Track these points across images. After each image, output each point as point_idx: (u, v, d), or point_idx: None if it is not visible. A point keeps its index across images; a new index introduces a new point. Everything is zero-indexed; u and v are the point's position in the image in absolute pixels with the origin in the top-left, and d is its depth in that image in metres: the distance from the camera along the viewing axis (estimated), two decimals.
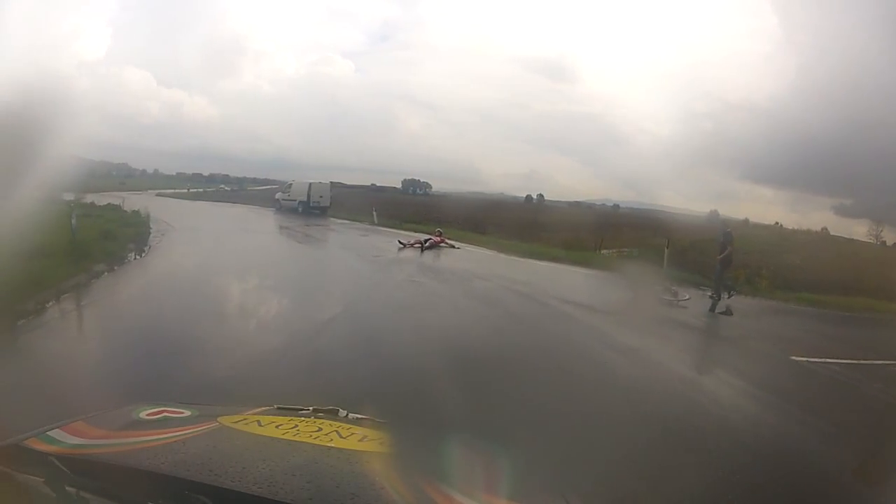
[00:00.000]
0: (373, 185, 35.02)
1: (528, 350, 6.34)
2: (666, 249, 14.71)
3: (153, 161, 36.55)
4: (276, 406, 1.62)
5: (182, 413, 1.55)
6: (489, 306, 8.94)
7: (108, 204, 18.23)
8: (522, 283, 11.10)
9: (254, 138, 40.29)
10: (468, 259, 14.80)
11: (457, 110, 39.26)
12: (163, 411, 1.53)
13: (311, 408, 1.61)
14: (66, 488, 1.07)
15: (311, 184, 23.96)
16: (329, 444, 1.26)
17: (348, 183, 31.97)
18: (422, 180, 35.23)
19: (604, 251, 18.08)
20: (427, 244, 15.70)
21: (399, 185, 35.33)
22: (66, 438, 1.23)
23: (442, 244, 16.17)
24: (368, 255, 13.89)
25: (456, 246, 16.36)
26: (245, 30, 40.42)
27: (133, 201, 19.55)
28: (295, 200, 24.09)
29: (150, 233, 14.18)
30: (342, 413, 1.63)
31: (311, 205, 23.65)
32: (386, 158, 41.90)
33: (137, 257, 11.37)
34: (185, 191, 30.58)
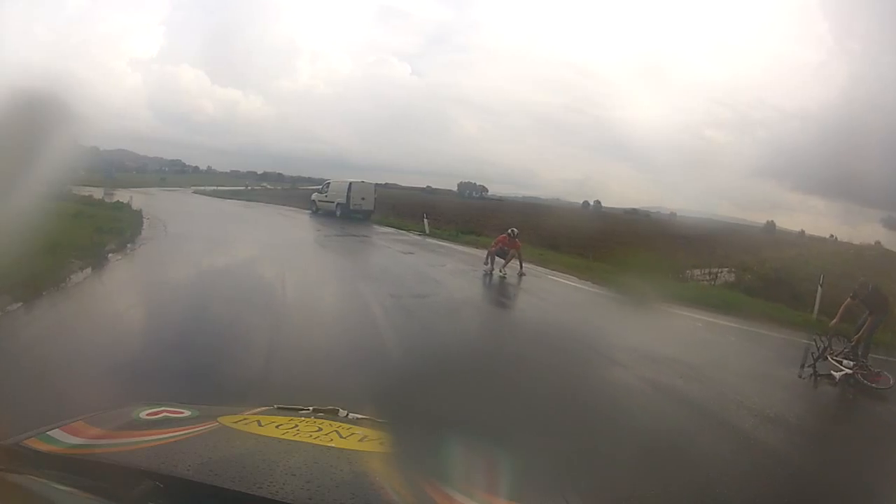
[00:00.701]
0: (427, 187, 34.00)
1: None
2: (819, 287, 10.91)
3: (207, 158, 36.99)
4: (276, 406, 1.59)
5: (182, 413, 1.50)
6: (669, 461, 4.04)
7: (117, 201, 16.51)
8: (680, 371, 6.34)
9: (309, 138, 39.49)
10: (559, 301, 10.45)
11: (512, 114, 37.28)
12: (163, 411, 1.48)
13: (311, 408, 1.57)
14: (66, 488, 1.05)
15: (351, 183, 20.12)
16: (329, 444, 1.24)
17: (403, 185, 31.29)
18: (478, 183, 34.10)
19: (696, 271, 15.47)
20: (506, 264, 11.55)
21: (454, 188, 34.18)
22: (66, 438, 1.21)
23: (517, 251, 11.81)
24: (407, 296, 8.97)
25: (522, 271, 11.83)
26: (301, 30, 39.59)
27: (148, 198, 17.65)
28: (333, 202, 20.43)
29: (134, 239, 11.23)
30: (342, 413, 1.60)
31: (351, 207, 19.85)
32: (441, 161, 40.51)
33: (92, 274, 8.10)
34: (245, 188, 30.45)
